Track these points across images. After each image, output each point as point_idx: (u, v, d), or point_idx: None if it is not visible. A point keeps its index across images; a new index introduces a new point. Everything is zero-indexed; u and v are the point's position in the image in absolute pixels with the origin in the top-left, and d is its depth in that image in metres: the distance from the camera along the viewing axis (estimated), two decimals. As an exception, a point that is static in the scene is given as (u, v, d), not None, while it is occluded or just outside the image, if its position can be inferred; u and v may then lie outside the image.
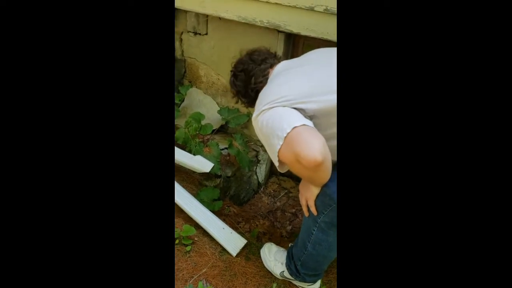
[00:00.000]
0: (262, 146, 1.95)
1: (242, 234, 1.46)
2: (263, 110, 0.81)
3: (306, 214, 0.97)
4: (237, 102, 1.13)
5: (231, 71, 1.08)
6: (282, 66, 0.98)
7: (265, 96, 0.85)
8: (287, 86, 0.84)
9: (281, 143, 0.73)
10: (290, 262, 1.10)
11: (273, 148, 0.77)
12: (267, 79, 0.97)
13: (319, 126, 0.78)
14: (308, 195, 0.92)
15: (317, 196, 0.90)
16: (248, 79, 1.00)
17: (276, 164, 0.81)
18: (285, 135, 0.72)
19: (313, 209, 0.92)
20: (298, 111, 0.78)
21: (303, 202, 0.96)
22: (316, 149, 0.69)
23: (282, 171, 0.86)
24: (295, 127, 0.72)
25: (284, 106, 0.78)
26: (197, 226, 1.32)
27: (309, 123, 0.75)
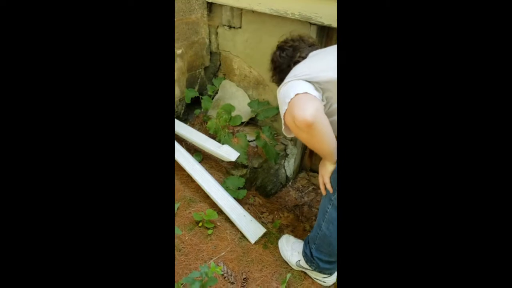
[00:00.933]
0: (291, 140, 1.95)
1: (263, 224, 1.49)
2: (284, 83, 0.91)
3: (323, 192, 1.01)
4: (272, 76, 1.17)
5: (277, 45, 1.14)
6: (315, 51, 1.07)
7: (291, 73, 0.95)
8: (311, 64, 0.95)
9: (286, 107, 0.84)
10: (306, 247, 1.12)
11: (281, 113, 0.88)
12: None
13: (332, 99, 0.88)
14: (323, 172, 0.99)
15: (332, 173, 0.95)
16: (295, 53, 1.07)
17: (283, 127, 0.92)
18: (289, 100, 0.83)
19: (328, 186, 0.97)
20: (312, 84, 0.87)
21: (320, 180, 1.01)
22: (308, 111, 0.78)
23: (287, 135, 0.96)
24: (297, 93, 0.82)
25: (299, 80, 0.88)
26: (220, 212, 1.38)
27: (314, 92, 0.84)
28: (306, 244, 1.12)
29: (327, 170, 0.97)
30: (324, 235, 1.02)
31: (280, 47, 1.11)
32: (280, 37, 1.17)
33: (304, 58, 1.04)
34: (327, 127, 0.84)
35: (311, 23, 1.44)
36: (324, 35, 1.55)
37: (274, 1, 1.39)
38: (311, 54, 1.04)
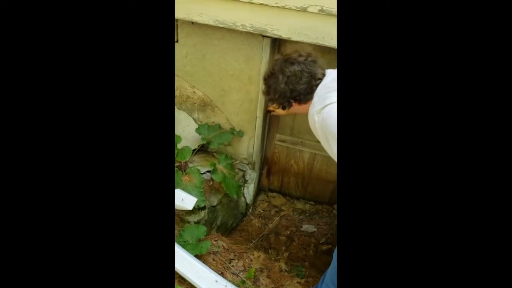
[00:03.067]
0: (249, 164, 1.74)
1: (235, 275, 1.25)
2: (328, 104, 0.82)
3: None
4: (266, 94, 1.04)
5: (298, 56, 0.97)
6: (333, 71, 0.98)
7: (322, 95, 0.87)
8: None
9: None
10: None
11: (334, 148, 0.81)
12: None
13: None
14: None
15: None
16: (316, 70, 0.96)
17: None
18: None
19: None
20: None
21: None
22: None
23: None
24: None
25: None
26: (182, 279, 1.09)
27: None
28: None
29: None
30: None
31: (304, 61, 0.96)
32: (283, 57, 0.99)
33: (321, 79, 0.94)
34: None
35: (263, 36, 1.24)
36: (275, 50, 1.37)
37: (220, 11, 1.15)
38: (328, 73, 0.95)
